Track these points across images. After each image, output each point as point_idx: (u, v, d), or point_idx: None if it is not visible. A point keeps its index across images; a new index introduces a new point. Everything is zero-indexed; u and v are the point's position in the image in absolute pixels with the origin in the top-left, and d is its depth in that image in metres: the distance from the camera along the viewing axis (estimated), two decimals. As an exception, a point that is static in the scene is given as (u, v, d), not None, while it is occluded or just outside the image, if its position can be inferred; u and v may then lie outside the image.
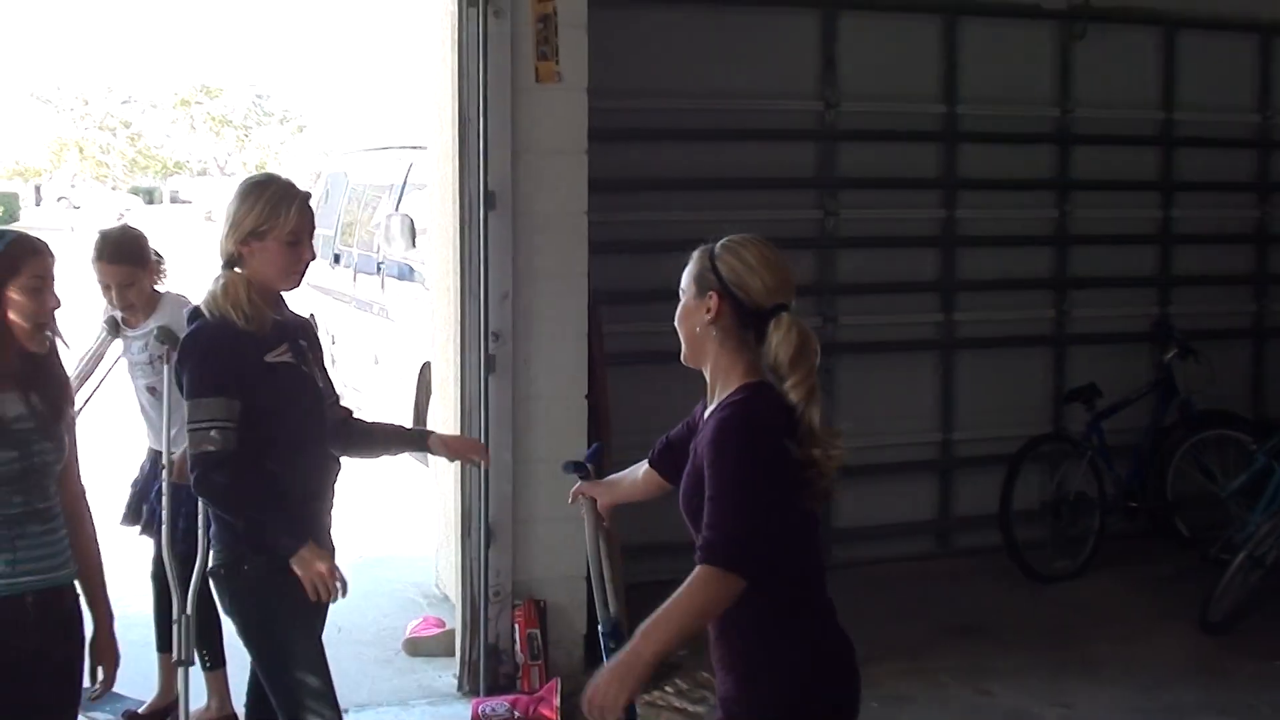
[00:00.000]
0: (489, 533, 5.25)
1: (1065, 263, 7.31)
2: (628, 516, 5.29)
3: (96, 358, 4.95)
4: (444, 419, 5.78)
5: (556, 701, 4.99)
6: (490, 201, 5.15)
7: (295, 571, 3.30)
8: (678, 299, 2.81)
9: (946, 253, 7.06)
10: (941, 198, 7.02)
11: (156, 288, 4.80)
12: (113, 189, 48.88)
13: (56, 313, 3.05)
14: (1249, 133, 7.66)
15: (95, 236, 4.73)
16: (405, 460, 8.41)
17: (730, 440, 2.62)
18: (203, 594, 4.56)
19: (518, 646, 5.28)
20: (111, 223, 5.81)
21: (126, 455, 5.12)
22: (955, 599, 6.48)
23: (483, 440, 5.11)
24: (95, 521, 3.23)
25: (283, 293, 3.52)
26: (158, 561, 4.86)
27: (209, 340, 3.36)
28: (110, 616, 3.24)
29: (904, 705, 5.19)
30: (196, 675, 4.64)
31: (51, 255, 3.05)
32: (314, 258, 3.54)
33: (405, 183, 9.07)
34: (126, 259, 4.67)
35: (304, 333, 3.59)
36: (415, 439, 4.00)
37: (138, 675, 4.62)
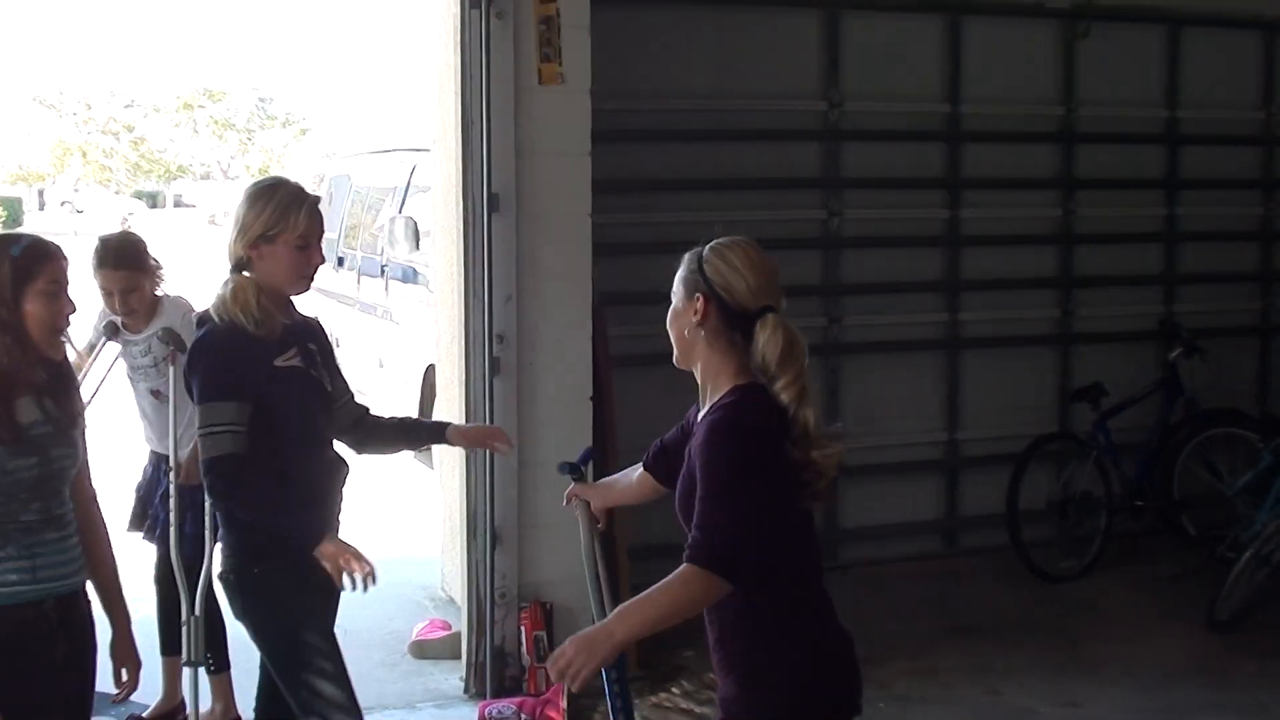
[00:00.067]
0: (495, 535, 5.25)
1: (1070, 262, 7.30)
2: (631, 517, 5.33)
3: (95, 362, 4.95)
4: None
5: (563, 704, 4.99)
6: (494, 203, 5.14)
7: (321, 564, 3.28)
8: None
9: (951, 252, 7.05)
10: (946, 197, 7.02)
11: (155, 292, 4.80)
12: (116, 193, 48.87)
13: (72, 317, 3.05)
14: (1253, 130, 7.65)
15: (95, 243, 4.73)
16: (411, 463, 8.43)
17: (721, 442, 2.63)
18: (207, 597, 4.58)
19: (524, 649, 5.27)
20: (113, 228, 5.81)
21: (125, 459, 5.11)
22: (961, 599, 6.48)
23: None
24: (107, 525, 3.24)
25: (292, 297, 3.52)
26: (160, 565, 4.86)
27: (219, 345, 3.35)
28: (128, 619, 3.26)
29: (911, 705, 5.18)
30: (202, 678, 4.65)
31: (65, 259, 3.05)
32: (323, 261, 3.54)
33: (409, 185, 9.08)
34: (128, 264, 4.67)
35: (313, 336, 3.59)
36: (433, 432, 3.99)
37: (142, 679, 4.60)
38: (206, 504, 4.50)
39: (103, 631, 3.19)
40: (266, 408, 3.32)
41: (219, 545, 3.58)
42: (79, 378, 3.73)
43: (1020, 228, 7.20)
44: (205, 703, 4.78)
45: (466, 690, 5.35)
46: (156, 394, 4.77)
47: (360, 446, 3.76)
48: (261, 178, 3.68)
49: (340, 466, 3.58)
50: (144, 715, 4.94)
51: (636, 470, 3.19)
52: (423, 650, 5.71)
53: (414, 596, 6.48)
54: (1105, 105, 7.22)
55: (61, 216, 40.51)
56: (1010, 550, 6.69)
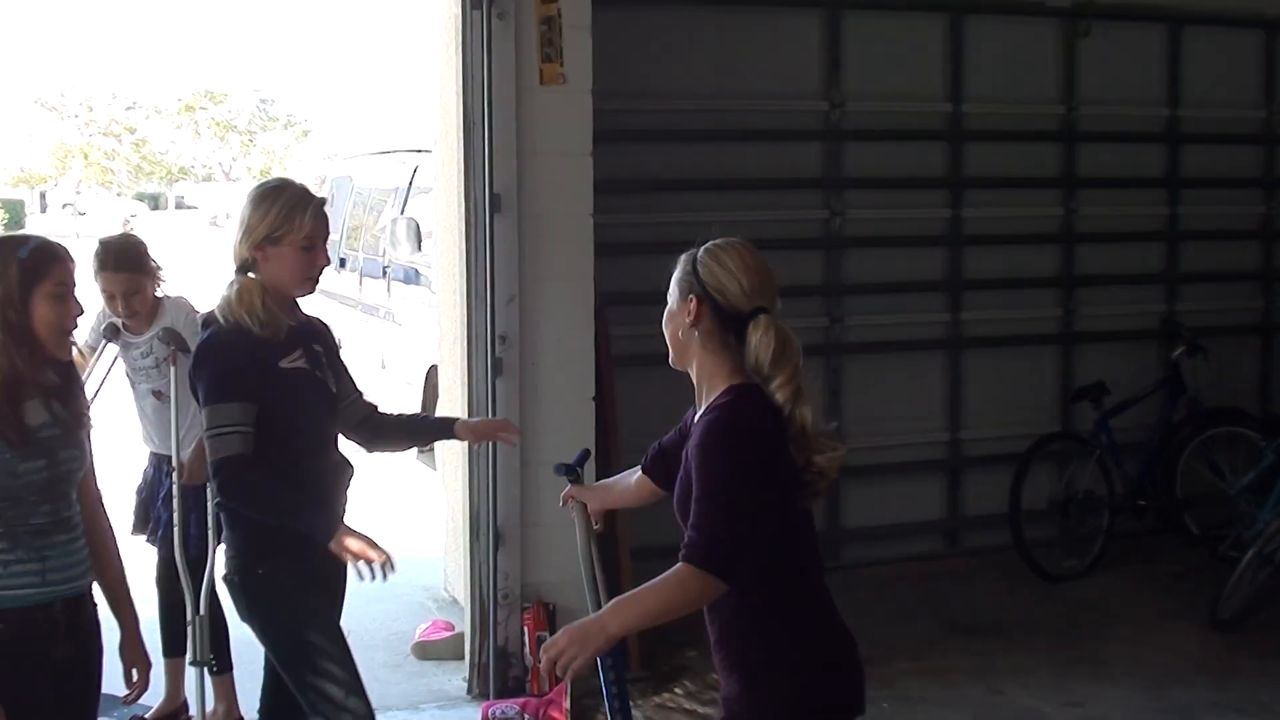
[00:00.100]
0: (497, 536, 5.25)
1: (1072, 261, 7.30)
2: (633, 518, 5.32)
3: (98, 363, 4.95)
4: (451, 422, 5.77)
5: (566, 704, 4.99)
6: (496, 204, 5.15)
7: (341, 555, 3.28)
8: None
9: (953, 252, 7.05)
10: (947, 197, 7.02)
11: (156, 294, 4.80)
12: (118, 195, 48.89)
13: (80, 319, 3.05)
14: (1254, 128, 7.65)
15: (96, 246, 4.72)
16: (414, 464, 8.44)
17: (716, 442, 2.64)
18: (210, 598, 4.58)
19: (527, 649, 5.28)
20: (115, 230, 5.81)
21: (125, 462, 5.11)
22: (964, 598, 6.47)
23: (490, 443, 5.11)
24: (114, 527, 3.24)
25: (297, 299, 3.53)
26: (161, 566, 4.87)
27: (224, 346, 3.36)
28: (136, 620, 3.26)
29: (915, 705, 5.18)
30: (206, 679, 4.65)
31: (73, 260, 3.04)
32: (329, 263, 3.54)
33: (410, 186, 9.09)
34: (130, 267, 4.68)
35: (319, 337, 3.59)
36: (441, 427, 3.98)
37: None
38: (209, 504, 4.51)
39: (109, 632, 3.19)
40: (271, 409, 3.33)
41: (222, 546, 3.58)
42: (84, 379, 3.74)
43: (1022, 227, 7.20)
44: (208, 703, 4.78)
45: (470, 691, 5.35)
46: (158, 394, 4.78)
47: (369, 444, 3.77)
48: (267, 179, 3.69)
49: (345, 468, 3.58)
50: (147, 716, 4.95)
51: (635, 473, 3.19)
52: (426, 651, 5.72)
53: (417, 597, 6.49)
54: (1106, 104, 7.22)
55: (63, 219, 40.50)
56: (1012, 550, 6.69)
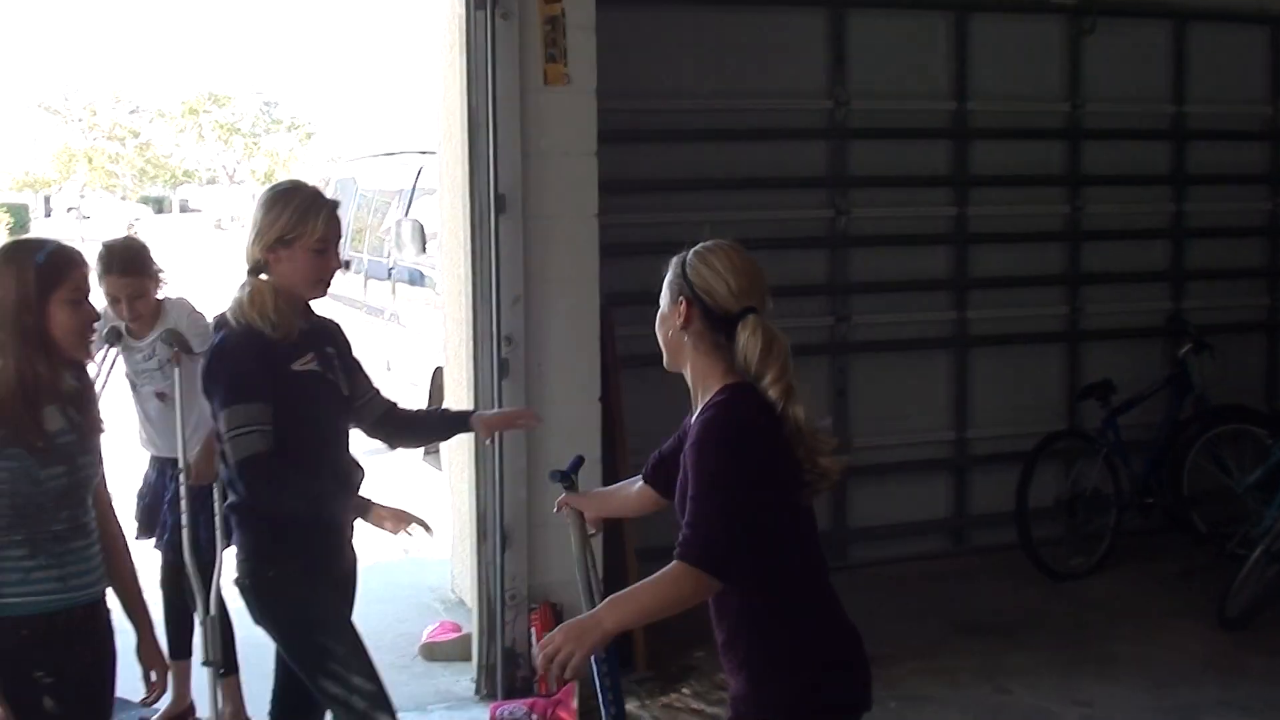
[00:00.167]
0: (504, 537, 5.24)
1: (1078, 258, 7.29)
2: (641, 519, 5.31)
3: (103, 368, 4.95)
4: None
5: (574, 704, 4.98)
6: (500, 205, 5.14)
7: (382, 525, 3.33)
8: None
9: (959, 250, 7.04)
10: (953, 195, 7.01)
11: (158, 296, 4.80)
12: (122, 199, 48.95)
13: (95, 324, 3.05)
14: (1260, 125, 7.64)
15: (99, 250, 4.72)
16: (420, 465, 8.43)
17: (712, 440, 2.66)
18: (217, 600, 4.58)
19: (534, 650, 5.27)
20: (118, 234, 5.81)
21: (124, 466, 5.11)
22: (971, 597, 6.46)
23: (496, 444, 5.11)
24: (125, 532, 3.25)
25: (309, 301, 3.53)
26: (166, 569, 4.87)
27: (237, 348, 3.36)
28: (151, 623, 3.27)
29: (923, 705, 5.17)
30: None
31: (87, 265, 3.04)
32: (340, 266, 3.54)
33: (415, 188, 9.09)
34: (134, 270, 4.68)
35: (331, 338, 3.60)
36: (458, 421, 3.98)
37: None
38: (216, 505, 4.51)
39: (121, 636, 3.19)
40: (283, 412, 3.33)
41: (233, 550, 3.58)
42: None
43: (1027, 225, 7.19)
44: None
45: (477, 692, 5.35)
46: (162, 396, 4.77)
47: (391, 441, 3.82)
48: (279, 181, 3.69)
49: (355, 470, 3.58)
50: (154, 719, 4.95)
51: (636, 482, 3.21)
52: (433, 652, 5.71)
53: (424, 598, 6.49)
54: (1112, 101, 7.21)
55: (68, 223, 40.56)
56: (1019, 549, 6.68)
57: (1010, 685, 5.39)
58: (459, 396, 5.79)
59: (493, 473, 5.21)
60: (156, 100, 49.40)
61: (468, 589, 5.78)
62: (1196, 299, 7.49)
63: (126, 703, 3.37)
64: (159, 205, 52.35)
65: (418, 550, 6.74)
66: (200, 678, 4.72)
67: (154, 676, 3.24)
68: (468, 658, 5.48)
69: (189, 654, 4.95)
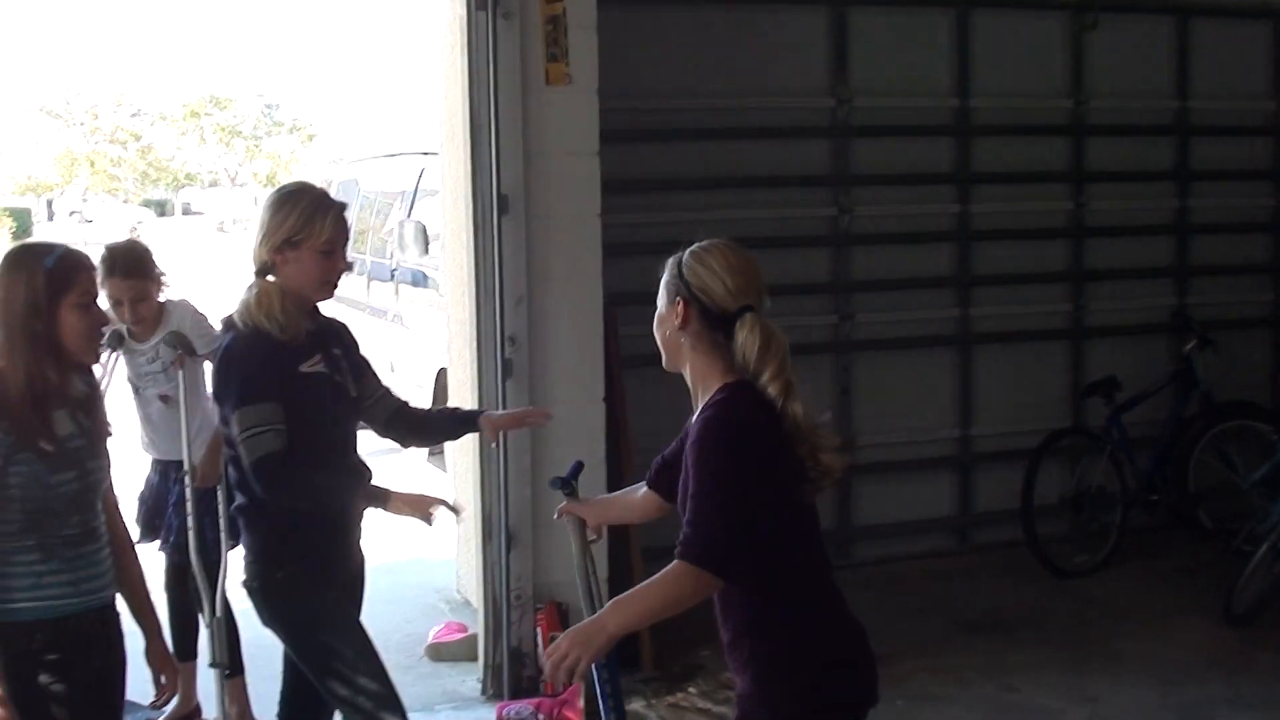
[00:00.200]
0: (510, 537, 5.24)
1: (1082, 255, 7.28)
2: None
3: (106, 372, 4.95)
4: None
5: (580, 704, 4.98)
6: (503, 205, 5.14)
7: (399, 514, 3.34)
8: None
9: (962, 247, 7.03)
10: (956, 192, 7.00)
11: (160, 299, 4.80)
12: (124, 202, 49.01)
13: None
14: (1264, 120, 7.62)
15: (102, 253, 4.71)
16: (425, 465, 8.43)
17: (712, 439, 2.66)
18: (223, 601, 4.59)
19: (540, 649, 5.27)
20: (120, 237, 5.81)
21: (125, 469, 5.12)
22: (976, 595, 6.46)
23: (501, 444, 5.10)
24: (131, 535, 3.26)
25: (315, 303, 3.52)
26: (171, 572, 4.87)
27: (246, 349, 3.36)
28: (160, 626, 3.29)
29: (929, 703, 5.16)
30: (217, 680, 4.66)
31: (95, 268, 3.04)
32: (347, 268, 3.54)
33: (417, 189, 9.08)
34: (137, 273, 4.67)
35: (338, 339, 3.60)
36: (468, 422, 3.98)
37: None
38: (220, 507, 4.51)
39: (130, 639, 3.20)
40: (291, 414, 3.33)
41: (241, 552, 3.57)
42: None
43: (1031, 222, 7.18)
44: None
45: (484, 692, 5.35)
46: (165, 399, 4.76)
47: (404, 440, 3.82)
48: (286, 183, 3.69)
49: (363, 472, 3.58)
50: (161, 720, 4.95)
51: (640, 488, 3.21)
52: (439, 653, 5.71)
53: (429, 599, 6.49)
54: (1115, 97, 7.20)
55: (70, 226, 40.61)
56: (1024, 546, 6.67)
57: (1016, 683, 5.38)
58: (463, 397, 5.79)
59: (497, 473, 5.21)
60: (158, 103, 49.56)
61: (473, 589, 5.78)
62: (1200, 295, 7.48)
63: (135, 705, 3.37)
64: (161, 208, 52.40)
65: (422, 551, 6.76)
66: (206, 679, 4.72)
67: (164, 680, 3.24)
68: (474, 658, 5.48)
69: (194, 655, 4.95)
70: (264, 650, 3.70)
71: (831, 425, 2.83)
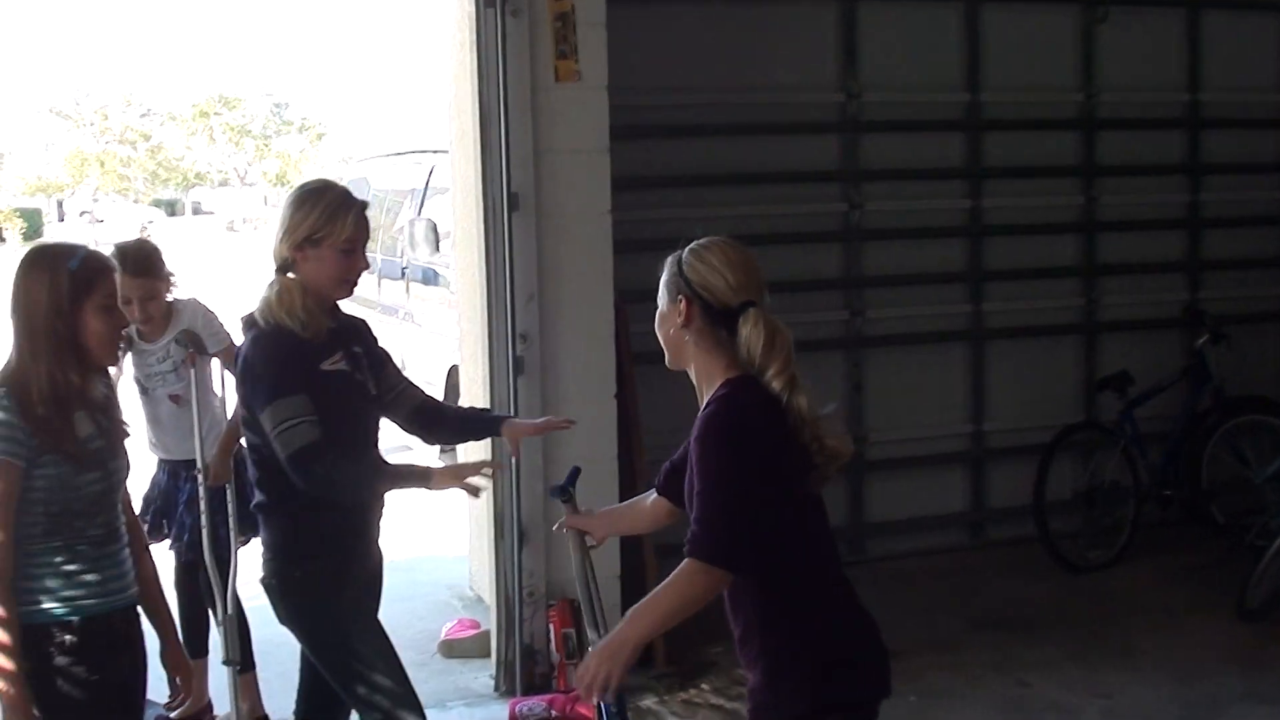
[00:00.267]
0: (522, 534, 5.25)
1: (1094, 250, 7.26)
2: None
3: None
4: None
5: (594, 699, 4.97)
6: (513, 203, 5.14)
7: (443, 488, 3.36)
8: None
9: (974, 242, 7.02)
10: (967, 187, 6.99)
11: (169, 298, 4.81)
12: (135, 202, 49.15)
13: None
14: (1275, 113, 7.59)
15: (111, 252, 4.72)
16: (437, 463, 8.44)
17: (716, 434, 2.67)
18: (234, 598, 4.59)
19: (553, 646, 5.27)
20: (128, 236, 5.82)
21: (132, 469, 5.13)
22: (989, 591, 6.44)
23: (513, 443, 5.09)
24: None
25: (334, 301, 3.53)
26: (180, 570, 4.88)
27: (270, 346, 3.36)
28: (175, 627, 3.31)
29: (943, 699, 5.15)
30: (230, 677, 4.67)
31: (117, 271, 3.05)
32: (368, 267, 3.54)
33: (427, 187, 9.09)
34: (147, 271, 4.68)
35: (358, 336, 3.60)
36: (490, 425, 3.97)
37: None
38: (230, 505, 4.51)
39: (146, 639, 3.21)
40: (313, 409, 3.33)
41: (259, 549, 3.58)
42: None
43: (1042, 216, 7.16)
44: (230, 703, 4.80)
45: (496, 688, 5.36)
46: (175, 399, 4.77)
47: (427, 435, 3.82)
48: (308, 181, 3.70)
49: (384, 468, 3.58)
50: (172, 717, 4.95)
51: (649, 496, 3.21)
52: (452, 649, 5.72)
53: (442, 596, 6.50)
54: (1126, 91, 7.18)
55: (81, 227, 40.71)
56: (1037, 542, 6.65)
57: (1029, 678, 5.37)
58: (474, 395, 5.79)
59: (510, 470, 5.21)
60: (167, 103, 49.73)
61: (486, 586, 5.78)
62: (1213, 289, 7.45)
63: (151, 704, 3.38)
64: (171, 208, 52.56)
65: (435, 548, 6.77)
66: (217, 675, 4.73)
67: (179, 682, 3.25)
68: (486, 654, 5.48)
69: (206, 653, 4.96)
70: (277, 646, 3.70)
71: (840, 418, 2.82)
